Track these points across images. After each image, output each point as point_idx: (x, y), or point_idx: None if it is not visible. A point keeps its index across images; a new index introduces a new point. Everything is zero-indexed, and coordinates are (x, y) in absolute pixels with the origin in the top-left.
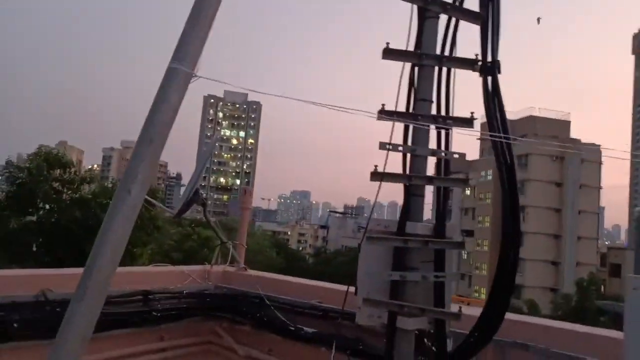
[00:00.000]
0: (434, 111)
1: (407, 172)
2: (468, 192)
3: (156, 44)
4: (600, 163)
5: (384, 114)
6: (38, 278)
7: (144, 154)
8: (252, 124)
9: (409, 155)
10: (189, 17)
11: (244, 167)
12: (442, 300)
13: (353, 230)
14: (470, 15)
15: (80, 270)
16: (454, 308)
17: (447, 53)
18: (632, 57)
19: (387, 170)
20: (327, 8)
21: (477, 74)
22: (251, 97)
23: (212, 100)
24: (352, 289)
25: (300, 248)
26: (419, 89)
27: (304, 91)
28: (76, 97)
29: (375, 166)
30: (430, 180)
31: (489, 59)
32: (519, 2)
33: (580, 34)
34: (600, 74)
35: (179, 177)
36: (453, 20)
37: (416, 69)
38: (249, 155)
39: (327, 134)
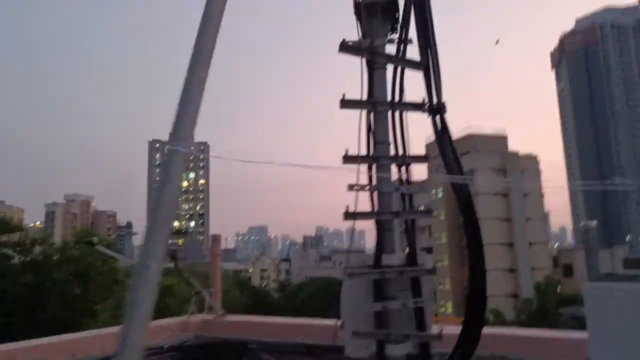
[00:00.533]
0: (393, 151)
1: (376, 209)
2: (422, 208)
3: (84, 97)
4: (539, 173)
5: (348, 160)
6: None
7: (156, 231)
8: (202, 164)
9: (375, 194)
10: (181, 98)
11: (197, 208)
12: (424, 324)
13: (315, 260)
14: (413, 64)
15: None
16: (434, 329)
17: (397, 99)
18: (553, 73)
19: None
20: (285, 63)
21: (426, 114)
22: (198, 138)
23: (158, 145)
24: (337, 321)
25: (264, 284)
26: (376, 133)
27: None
28: (9, 153)
29: (347, 206)
30: (397, 214)
31: (435, 101)
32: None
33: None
34: (530, 87)
35: (129, 225)
36: (399, 68)
37: (372, 115)
38: (201, 196)
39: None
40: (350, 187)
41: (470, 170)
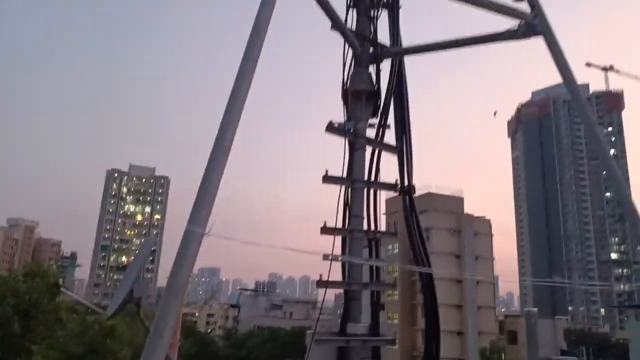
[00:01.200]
0: (366, 226)
1: (347, 278)
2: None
3: (27, 119)
4: (491, 236)
5: (326, 231)
6: None
7: (171, 305)
8: (159, 198)
9: (347, 264)
10: (202, 182)
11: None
12: None
13: (265, 309)
14: (389, 148)
15: None
16: None
17: (373, 178)
18: (509, 140)
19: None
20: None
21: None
22: (159, 172)
23: (117, 175)
24: None
25: (209, 330)
26: (352, 208)
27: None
28: None
29: (320, 275)
30: (365, 285)
31: (406, 182)
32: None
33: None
34: (489, 152)
35: (73, 256)
36: (377, 150)
37: (349, 191)
38: (155, 232)
39: (238, 207)
40: (325, 257)
41: (427, 228)
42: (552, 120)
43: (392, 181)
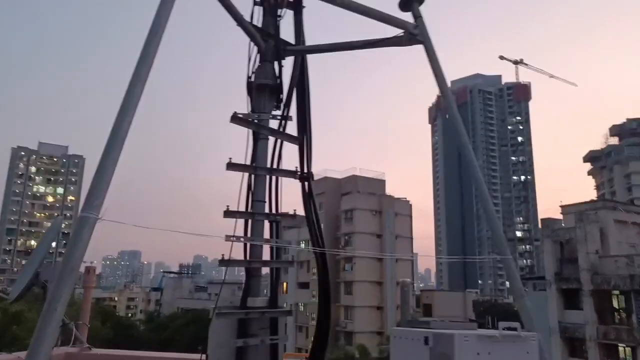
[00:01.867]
0: (267, 210)
1: (248, 257)
2: (303, 245)
3: None
4: (410, 216)
5: (229, 214)
6: None
7: (65, 280)
8: (74, 179)
9: (249, 244)
10: (97, 170)
11: (62, 226)
12: (277, 358)
13: (190, 291)
14: (291, 138)
15: None
16: None
17: (275, 166)
18: (429, 126)
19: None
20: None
21: (297, 180)
22: (72, 150)
23: (23, 153)
24: (203, 356)
25: (130, 315)
26: (255, 193)
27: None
28: None
29: (222, 255)
30: (265, 263)
31: (305, 170)
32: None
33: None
34: (410, 135)
35: None
36: (279, 141)
37: (252, 177)
38: (68, 214)
39: (159, 188)
40: (228, 238)
41: (351, 209)
42: (468, 108)
43: (293, 169)
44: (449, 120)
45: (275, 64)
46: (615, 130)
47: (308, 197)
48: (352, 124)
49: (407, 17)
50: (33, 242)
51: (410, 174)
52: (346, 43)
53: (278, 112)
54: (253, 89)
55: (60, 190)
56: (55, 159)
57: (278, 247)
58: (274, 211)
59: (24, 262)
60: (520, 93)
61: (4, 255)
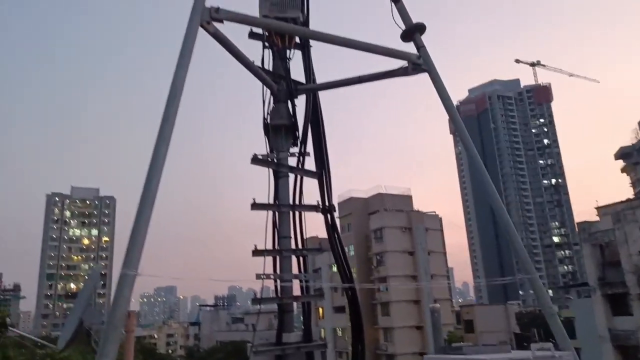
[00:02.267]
0: (293, 245)
1: (279, 294)
2: (335, 269)
3: None
4: (441, 230)
5: (257, 253)
6: None
7: (110, 337)
8: (107, 220)
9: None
10: (132, 230)
11: (100, 269)
12: None
13: (227, 323)
14: (310, 174)
15: None
16: None
17: (297, 201)
18: (451, 137)
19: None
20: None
21: (320, 214)
22: (104, 192)
23: (57, 199)
24: None
25: (170, 351)
26: (280, 230)
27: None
28: None
29: (255, 293)
30: (296, 298)
31: (327, 203)
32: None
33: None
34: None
35: (17, 288)
36: (299, 177)
37: (277, 214)
38: (104, 255)
39: (191, 222)
40: (258, 276)
41: (380, 227)
42: (489, 115)
43: (315, 203)
44: (480, 125)
45: (289, 103)
46: None
47: (332, 230)
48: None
49: (410, 46)
50: (72, 285)
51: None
52: (354, 78)
53: (295, 149)
54: (269, 129)
55: (94, 232)
56: (87, 202)
57: (307, 282)
58: (300, 246)
59: (65, 305)
60: (541, 95)
61: (45, 300)
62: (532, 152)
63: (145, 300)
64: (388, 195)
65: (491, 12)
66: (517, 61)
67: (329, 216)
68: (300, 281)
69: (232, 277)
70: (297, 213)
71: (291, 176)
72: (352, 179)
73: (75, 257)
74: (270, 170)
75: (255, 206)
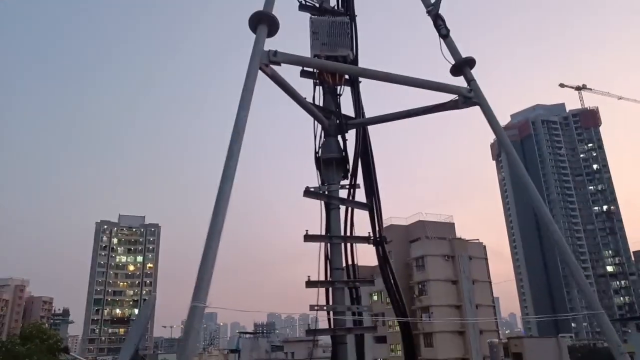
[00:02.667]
0: (345, 276)
1: (332, 326)
2: (375, 297)
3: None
4: (485, 259)
5: (311, 285)
6: None
7: None
8: (151, 247)
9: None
10: (201, 264)
11: (143, 294)
12: None
13: (266, 351)
14: (360, 205)
15: None
16: None
17: (348, 233)
18: (493, 163)
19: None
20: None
21: (371, 245)
22: (149, 220)
23: (106, 226)
24: None
25: None
26: (332, 261)
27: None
28: None
29: (309, 324)
30: (349, 330)
31: (378, 235)
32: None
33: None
34: (475, 174)
35: (65, 313)
36: (350, 209)
37: (329, 246)
38: (148, 281)
39: (228, 248)
40: (312, 307)
41: (422, 256)
42: (533, 140)
43: (365, 234)
44: (524, 151)
45: (339, 137)
46: None
47: (384, 262)
48: (415, 171)
49: (460, 80)
50: (118, 311)
51: (478, 214)
52: (404, 112)
53: (346, 182)
54: (321, 163)
55: (139, 258)
56: (134, 229)
57: (359, 313)
58: (351, 277)
59: (110, 330)
60: (589, 119)
61: (92, 325)
62: (580, 177)
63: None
64: (429, 222)
65: (534, 35)
66: (562, 85)
67: (380, 248)
68: (353, 313)
69: (288, 310)
70: (348, 244)
71: (342, 209)
72: (393, 206)
73: (122, 283)
74: (322, 203)
75: (308, 238)
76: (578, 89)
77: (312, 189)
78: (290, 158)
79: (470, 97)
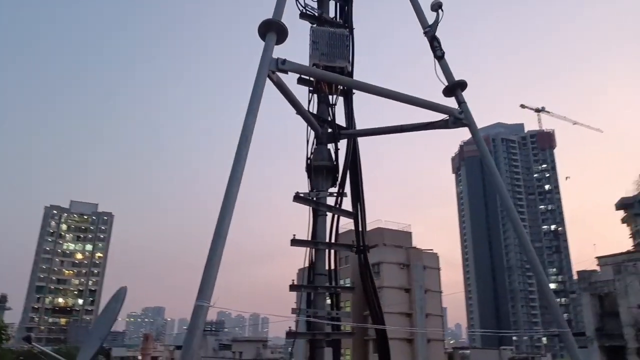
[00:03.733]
0: (327, 282)
1: (311, 329)
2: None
3: None
4: (438, 269)
5: (294, 288)
6: None
7: None
8: (102, 236)
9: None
10: (206, 264)
11: (89, 284)
12: None
13: (214, 349)
14: (347, 214)
15: None
16: None
17: (333, 240)
18: (453, 176)
19: None
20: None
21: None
22: (102, 207)
23: (55, 212)
24: None
25: None
26: (316, 267)
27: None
28: None
29: (289, 327)
30: (327, 335)
31: (361, 243)
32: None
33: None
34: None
35: (3, 299)
36: (336, 216)
37: (314, 251)
38: (95, 271)
39: (183, 242)
40: (293, 311)
41: (378, 262)
42: (492, 157)
43: (349, 242)
44: (482, 167)
45: (331, 146)
46: None
47: (365, 268)
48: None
49: (451, 100)
50: (61, 300)
51: (434, 224)
52: (396, 126)
53: (334, 190)
54: (311, 169)
55: (89, 247)
56: (85, 217)
57: (338, 319)
58: (333, 283)
59: (50, 320)
60: (545, 141)
61: (32, 313)
62: (533, 196)
63: (132, 319)
64: (388, 230)
65: (501, 54)
66: (523, 106)
67: (362, 256)
68: (332, 317)
69: (273, 312)
70: (332, 251)
71: (329, 216)
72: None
73: (67, 272)
74: (310, 209)
75: (295, 242)
76: (537, 110)
77: (301, 195)
78: (277, 162)
79: (460, 119)
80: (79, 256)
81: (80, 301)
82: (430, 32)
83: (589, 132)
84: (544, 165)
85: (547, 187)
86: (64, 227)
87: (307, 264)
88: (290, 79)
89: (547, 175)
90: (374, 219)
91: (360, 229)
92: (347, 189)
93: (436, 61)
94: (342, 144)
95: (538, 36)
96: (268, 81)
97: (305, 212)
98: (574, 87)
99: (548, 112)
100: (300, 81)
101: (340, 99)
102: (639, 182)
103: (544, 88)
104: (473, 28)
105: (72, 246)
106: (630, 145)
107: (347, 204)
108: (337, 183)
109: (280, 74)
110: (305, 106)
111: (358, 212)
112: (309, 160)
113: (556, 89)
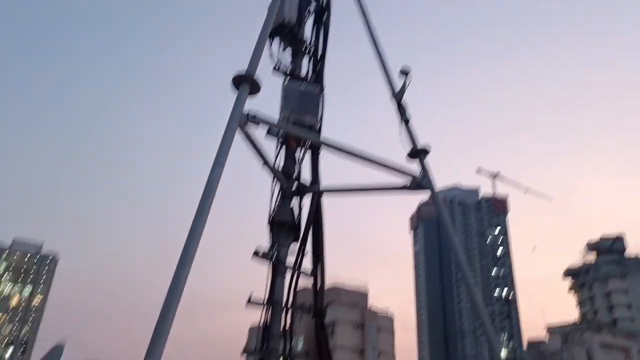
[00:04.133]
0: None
1: None
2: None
3: None
4: (392, 332)
5: (247, 352)
6: None
7: None
8: (42, 279)
9: None
10: (157, 322)
11: (23, 331)
12: None
13: None
14: (305, 275)
15: None
16: None
17: (291, 300)
18: (410, 235)
19: None
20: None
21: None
22: (47, 248)
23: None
24: None
25: None
26: (272, 327)
27: None
28: None
29: None
30: None
31: (319, 306)
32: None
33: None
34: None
35: None
36: (295, 275)
37: (269, 312)
38: (31, 318)
39: (131, 289)
40: None
41: (333, 321)
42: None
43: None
44: (439, 228)
45: (296, 199)
46: (591, 247)
47: (321, 333)
48: (330, 225)
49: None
50: None
51: (390, 281)
52: (360, 188)
53: (295, 246)
54: (274, 224)
55: (27, 289)
56: (28, 256)
57: None
58: (288, 347)
59: None
60: (498, 206)
61: None
62: (485, 261)
63: None
64: (344, 290)
65: (460, 116)
66: (479, 171)
67: (319, 319)
68: None
69: None
70: (289, 312)
71: (288, 274)
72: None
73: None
74: (270, 264)
75: (251, 304)
76: (492, 176)
77: (261, 253)
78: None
79: (422, 183)
80: (14, 300)
81: (10, 350)
82: (397, 97)
83: (539, 198)
84: (497, 231)
85: (499, 252)
86: (1, 267)
87: (261, 324)
88: (259, 131)
89: (500, 240)
90: (330, 273)
91: (318, 291)
92: (309, 245)
93: (403, 124)
94: (308, 196)
95: (496, 101)
96: (238, 131)
97: (265, 266)
98: (532, 153)
99: (502, 177)
100: (270, 132)
101: (308, 153)
102: (585, 253)
103: (502, 150)
104: (434, 87)
105: (9, 289)
106: (583, 213)
107: (307, 261)
108: (299, 240)
109: (250, 124)
110: (273, 159)
111: (317, 272)
112: (271, 215)
113: (515, 151)
